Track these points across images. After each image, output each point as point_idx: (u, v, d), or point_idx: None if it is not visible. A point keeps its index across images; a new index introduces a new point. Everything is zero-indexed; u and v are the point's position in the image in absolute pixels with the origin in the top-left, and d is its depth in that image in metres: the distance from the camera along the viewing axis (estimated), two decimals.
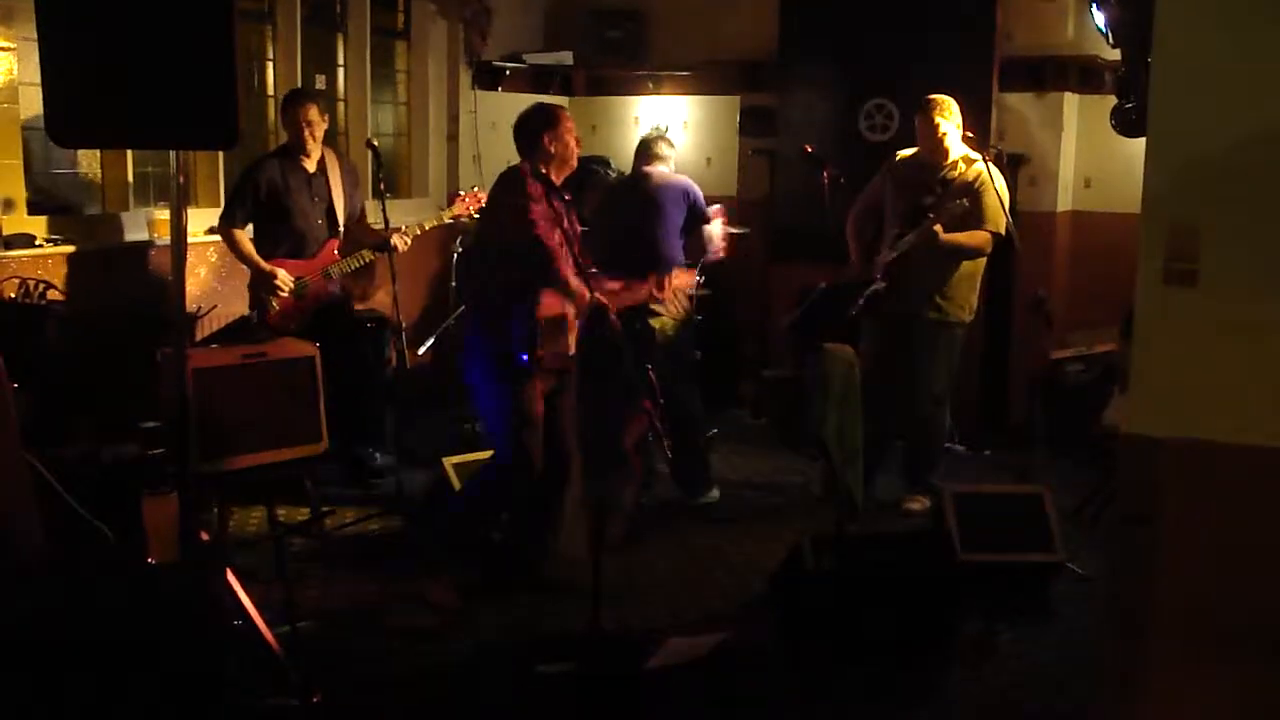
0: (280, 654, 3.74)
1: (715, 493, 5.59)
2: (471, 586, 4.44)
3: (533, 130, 4.47)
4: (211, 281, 6.10)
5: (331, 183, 5.52)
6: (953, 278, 5.37)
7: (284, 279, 5.34)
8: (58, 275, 5.26)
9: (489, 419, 4.51)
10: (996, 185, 5.29)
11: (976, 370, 6.82)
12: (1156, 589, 2.92)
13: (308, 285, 5.44)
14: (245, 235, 5.45)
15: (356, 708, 3.74)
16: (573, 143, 4.47)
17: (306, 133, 5.40)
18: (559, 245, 4.29)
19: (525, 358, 4.22)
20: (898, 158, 5.57)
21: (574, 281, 4.29)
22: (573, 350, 4.35)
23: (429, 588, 4.34)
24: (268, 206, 5.39)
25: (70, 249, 5.45)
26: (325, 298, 5.54)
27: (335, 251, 5.51)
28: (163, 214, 5.69)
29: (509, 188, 4.41)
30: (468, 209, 5.73)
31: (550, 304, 4.23)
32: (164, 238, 5.49)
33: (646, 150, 5.62)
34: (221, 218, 5.46)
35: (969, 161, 5.41)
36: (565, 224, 4.40)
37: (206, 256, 6.11)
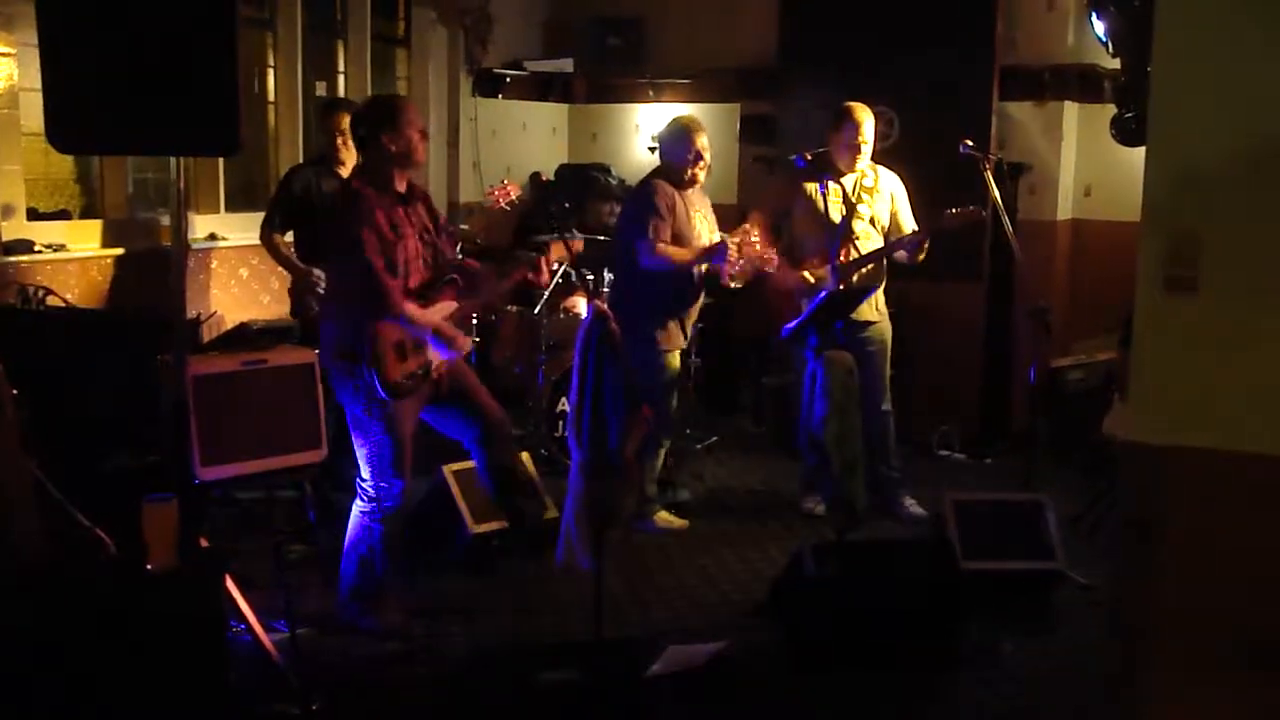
0: (280, 661, 3.74)
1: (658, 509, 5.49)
2: (440, 598, 4.46)
3: (370, 130, 4.12)
4: (213, 288, 6.11)
5: None
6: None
7: (321, 278, 5.39)
8: (57, 280, 5.27)
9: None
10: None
11: (978, 378, 6.82)
12: (1157, 597, 2.92)
13: None
14: (283, 241, 5.50)
15: (356, 715, 3.74)
16: (416, 138, 4.12)
17: (340, 140, 5.45)
18: (397, 265, 4.05)
19: (383, 393, 4.03)
20: (809, 160, 5.51)
21: (411, 312, 4.04)
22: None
23: (379, 612, 4.27)
24: (303, 213, 5.44)
25: (70, 254, 5.46)
26: None
27: None
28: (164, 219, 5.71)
29: (345, 204, 4.13)
30: (498, 203, 5.73)
31: (388, 330, 4.04)
32: (165, 243, 5.50)
33: None
34: (262, 225, 5.52)
35: (874, 167, 5.51)
36: (413, 237, 4.14)
37: (207, 263, 6.13)
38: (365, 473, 4.20)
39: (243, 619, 3.74)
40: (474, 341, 4.39)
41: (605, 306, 4.07)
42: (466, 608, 4.46)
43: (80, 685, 2.88)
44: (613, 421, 4.06)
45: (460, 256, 4.55)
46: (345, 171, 5.55)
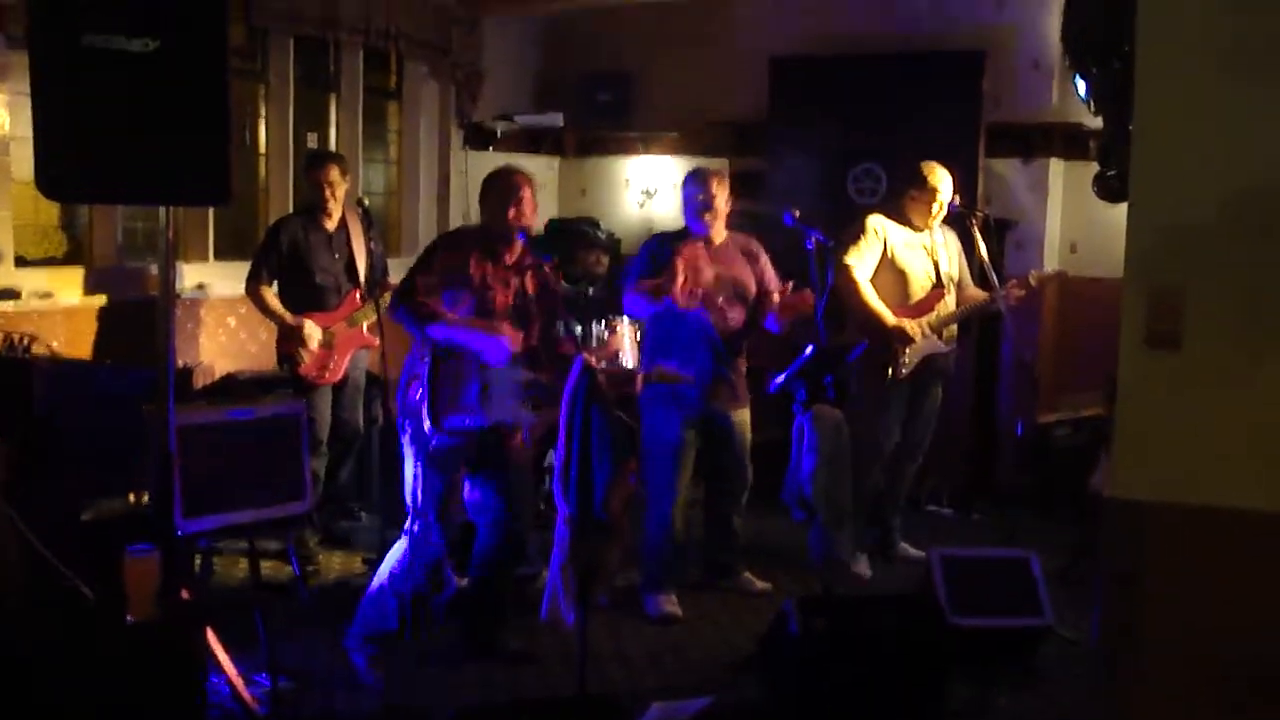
0: (259, 715, 3.70)
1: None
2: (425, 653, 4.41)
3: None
4: (200, 337, 6.10)
5: (353, 239, 5.58)
6: None
7: (310, 329, 5.39)
8: (44, 328, 5.26)
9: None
10: None
11: (964, 433, 6.83)
12: (1143, 651, 2.91)
13: (335, 335, 5.48)
14: (271, 292, 5.51)
15: None
16: (511, 214, 4.29)
17: (327, 192, 5.49)
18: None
19: (430, 431, 4.10)
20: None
21: (447, 317, 4.19)
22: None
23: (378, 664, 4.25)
24: (290, 264, 5.46)
25: (57, 303, 5.45)
26: (355, 346, 5.60)
27: (357, 298, 5.56)
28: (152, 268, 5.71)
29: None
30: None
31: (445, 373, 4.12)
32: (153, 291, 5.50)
33: None
34: (248, 278, 5.53)
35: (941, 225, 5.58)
36: (503, 293, 4.31)
37: (195, 312, 6.13)
38: (409, 504, 4.21)
39: (223, 672, 3.71)
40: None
41: (593, 360, 4.08)
42: (451, 661, 4.42)
43: None
44: (599, 476, 4.05)
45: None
46: (331, 224, 5.57)
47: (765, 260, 5.19)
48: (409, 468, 4.21)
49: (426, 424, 4.10)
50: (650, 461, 5.04)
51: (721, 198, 5.03)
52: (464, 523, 4.57)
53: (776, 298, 5.02)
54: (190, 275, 6.19)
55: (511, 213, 4.27)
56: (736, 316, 5.05)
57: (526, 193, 4.31)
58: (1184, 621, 2.87)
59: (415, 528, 4.20)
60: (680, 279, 4.81)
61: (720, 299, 4.98)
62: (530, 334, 4.33)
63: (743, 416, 5.16)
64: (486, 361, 4.15)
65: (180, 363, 5.62)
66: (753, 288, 5.08)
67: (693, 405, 5.00)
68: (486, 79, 7.78)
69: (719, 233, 5.07)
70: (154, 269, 5.78)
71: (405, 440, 4.24)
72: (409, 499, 4.22)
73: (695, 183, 5.07)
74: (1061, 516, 6.01)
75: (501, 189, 4.33)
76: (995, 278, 5.44)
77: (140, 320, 5.65)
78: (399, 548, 4.27)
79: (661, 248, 5.04)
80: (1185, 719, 2.88)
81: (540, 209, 8.21)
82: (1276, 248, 2.76)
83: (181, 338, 5.90)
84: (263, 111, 6.75)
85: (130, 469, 4.30)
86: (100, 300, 5.70)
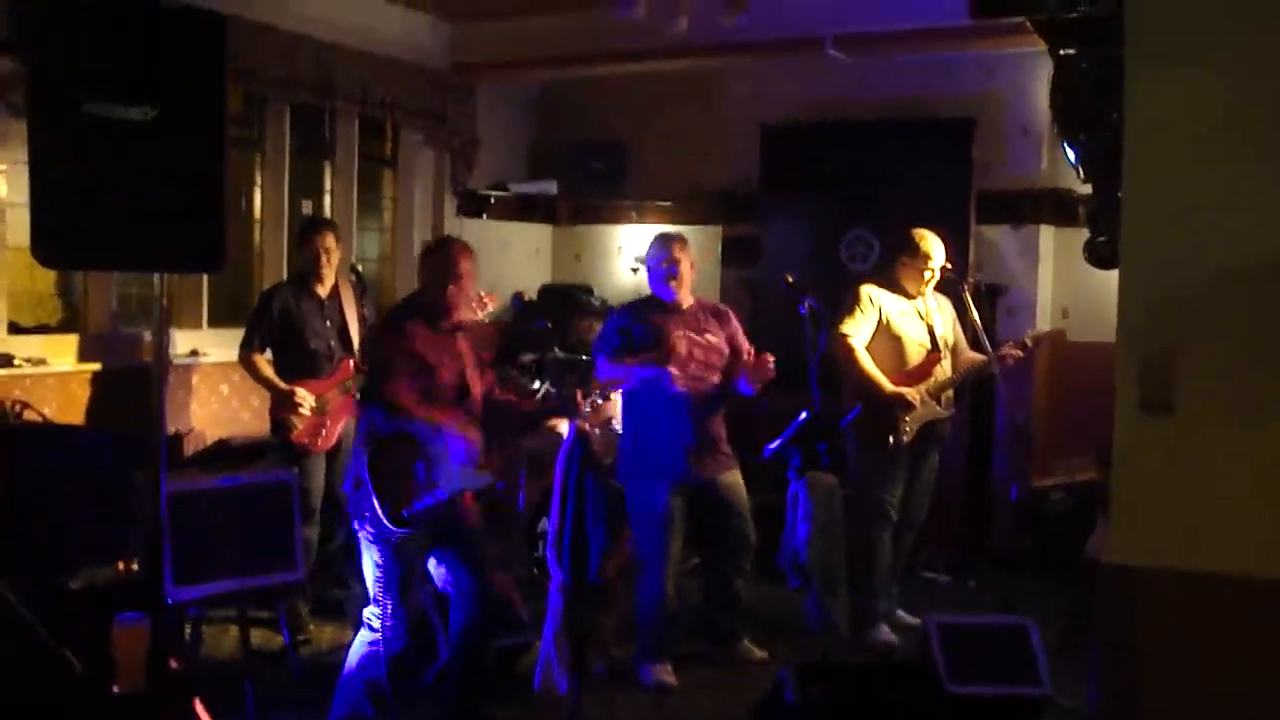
0: None
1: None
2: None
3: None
4: (193, 404, 6.09)
5: (345, 306, 5.59)
6: None
7: (303, 396, 5.38)
8: (36, 395, 5.25)
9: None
10: None
11: (959, 498, 6.81)
12: (1139, 719, 2.88)
13: (328, 402, 5.47)
14: (264, 360, 5.50)
15: None
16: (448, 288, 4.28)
17: (324, 259, 5.50)
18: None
19: (389, 525, 4.01)
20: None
21: (419, 411, 4.12)
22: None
23: None
24: (282, 331, 5.45)
25: (50, 369, 5.45)
26: (348, 413, 5.58)
27: (350, 366, 5.55)
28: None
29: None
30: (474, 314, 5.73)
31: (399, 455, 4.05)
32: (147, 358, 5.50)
33: None
34: (241, 346, 5.52)
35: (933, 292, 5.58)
36: (448, 368, 4.28)
37: (188, 378, 6.12)
38: (371, 594, 4.13)
39: None
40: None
41: (587, 427, 4.07)
42: None
43: None
44: (594, 543, 4.02)
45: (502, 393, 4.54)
46: (324, 290, 5.58)
47: (735, 322, 5.20)
48: (369, 558, 4.13)
49: (385, 522, 4.01)
50: (638, 531, 5.00)
51: (685, 262, 5.03)
52: (440, 593, 4.52)
53: (750, 357, 5.00)
54: (184, 341, 6.20)
55: (451, 288, 4.26)
56: (711, 380, 5.03)
57: (466, 265, 4.30)
58: (1181, 688, 2.84)
59: (375, 617, 4.14)
60: (677, 356, 4.84)
61: (693, 365, 4.97)
62: (476, 396, 4.30)
63: (733, 478, 5.13)
64: (449, 457, 4.09)
65: (172, 429, 5.61)
66: (726, 351, 5.07)
67: (677, 473, 4.98)
68: (481, 147, 7.85)
69: (686, 298, 5.07)
70: (148, 335, 5.78)
71: (363, 535, 4.15)
72: (371, 589, 4.14)
73: (659, 249, 5.07)
74: (1058, 581, 5.98)
75: (441, 263, 4.30)
76: (988, 343, 5.46)
77: (134, 386, 5.65)
78: (362, 637, 4.21)
79: (630, 319, 5.03)
80: None
81: (534, 275, 8.36)
82: (1269, 312, 2.78)
83: (174, 404, 5.89)
84: (258, 179, 6.80)
85: (120, 536, 4.27)
86: (94, 367, 5.70)
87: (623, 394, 4.98)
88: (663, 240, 5.11)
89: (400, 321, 4.29)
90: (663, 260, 5.03)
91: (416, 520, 4.04)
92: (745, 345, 5.10)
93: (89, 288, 5.93)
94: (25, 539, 4.19)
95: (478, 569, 4.26)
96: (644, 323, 4.99)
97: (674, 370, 4.88)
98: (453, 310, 4.29)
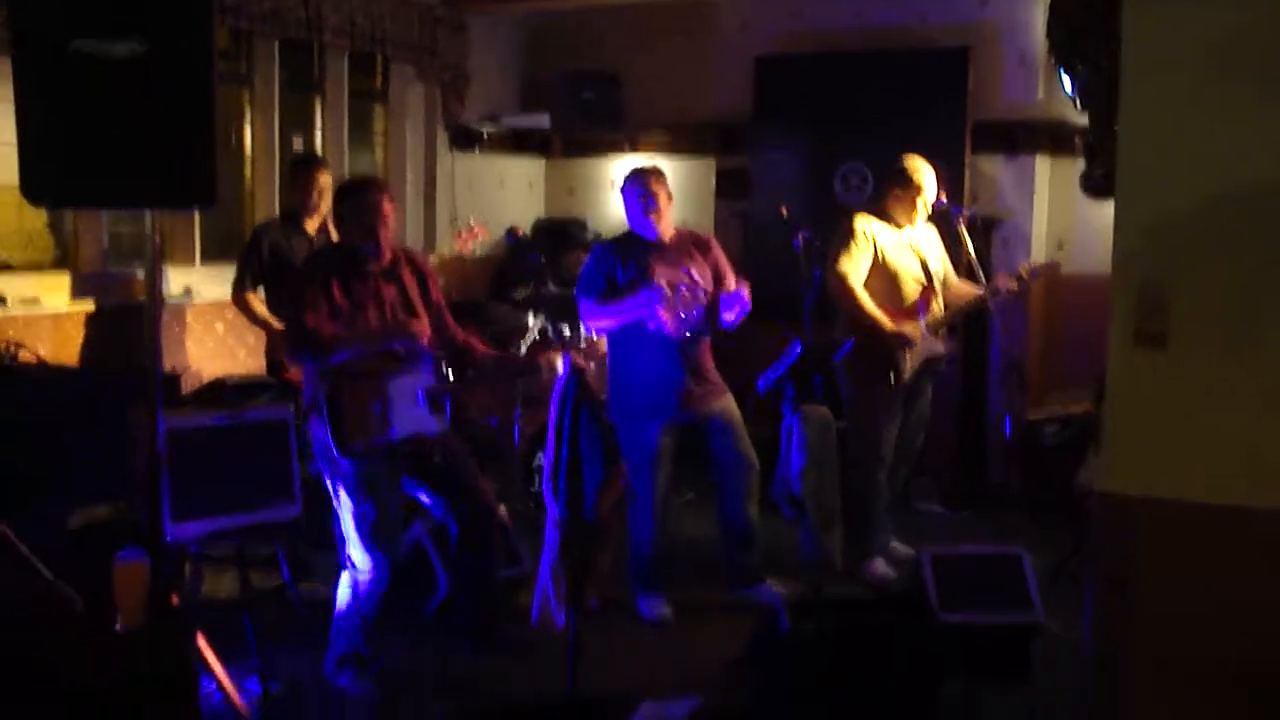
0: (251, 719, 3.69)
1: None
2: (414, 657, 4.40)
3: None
4: (187, 342, 6.08)
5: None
6: None
7: None
8: (30, 335, 5.23)
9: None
10: None
11: (954, 431, 6.84)
12: (1134, 647, 2.91)
13: None
14: (257, 299, 5.48)
15: None
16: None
17: (316, 196, 5.46)
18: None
19: (338, 454, 4.05)
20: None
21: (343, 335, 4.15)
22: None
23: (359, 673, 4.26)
24: (273, 269, 5.43)
25: (43, 309, 5.43)
26: None
27: None
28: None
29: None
30: (465, 245, 5.69)
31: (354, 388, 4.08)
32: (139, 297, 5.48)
33: None
34: (233, 285, 5.50)
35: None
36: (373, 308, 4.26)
37: (182, 317, 6.11)
38: (345, 534, 4.16)
39: (214, 678, 3.69)
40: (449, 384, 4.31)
41: (582, 361, 4.07)
42: (440, 667, 4.41)
43: None
44: (589, 478, 4.04)
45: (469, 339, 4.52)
46: (312, 226, 5.55)
47: (717, 249, 5.13)
48: (336, 501, 4.17)
49: (333, 451, 4.04)
50: (629, 469, 5.01)
51: (663, 195, 4.95)
52: (437, 526, 4.56)
53: (732, 285, 4.97)
54: (177, 279, 6.17)
55: (376, 229, 4.22)
56: (697, 312, 4.98)
57: (387, 206, 4.26)
58: (1174, 617, 2.88)
59: (350, 558, 4.17)
60: (672, 306, 4.84)
61: (680, 309, 4.93)
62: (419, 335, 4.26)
63: (724, 404, 5.08)
64: (401, 355, 4.13)
65: (167, 367, 5.59)
66: (710, 281, 5.02)
67: (669, 412, 4.97)
68: (472, 80, 7.77)
69: (667, 229, 5.01)
70: (140, 274, 5.76)
71: (325, 476, 4.17)
72: (345, 529, 4.17)
73: (634, 184, 4.98)
74: (1051, 513, 6.03)
75: (361, 206, 4.25)
76: (983, 275, 5.45)
77: (127, 325, 5.63)
78: (345, 579, 4.24)
79: (612, 260, 4.97)
80: (1177, 715, 2.89)
81: (527, 209, 8.32)
82: (1263, 245, 2.78)
83: (169, 342, 5.87)
84: (248, 115, 6.73)
85: (118, 476, 4.28)
86: (87, 306, 5.68)
87: (607, 335, 4.97)
88: (637, 174, 5.02)
89: (315, 269, 4.25)
90: (639, 195, 4.95)
91: (369, 455, 4.06)
92: (729, 273, 5.08)
93: (79, 227, 5.89)
94: (23, 479, 4.20)
95: (460, 488, 4.30)
96: (626, 264, 4.94)
97: (662, 284, 4.84)
98: (379, 253, 4.25)
